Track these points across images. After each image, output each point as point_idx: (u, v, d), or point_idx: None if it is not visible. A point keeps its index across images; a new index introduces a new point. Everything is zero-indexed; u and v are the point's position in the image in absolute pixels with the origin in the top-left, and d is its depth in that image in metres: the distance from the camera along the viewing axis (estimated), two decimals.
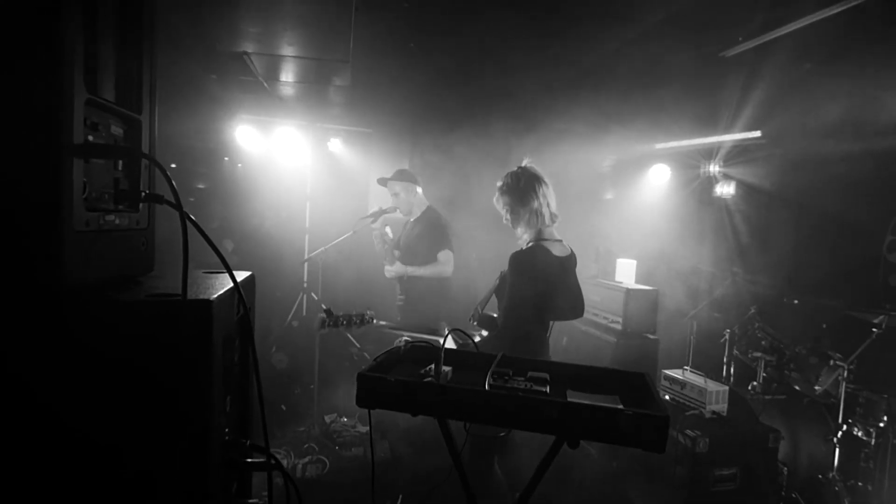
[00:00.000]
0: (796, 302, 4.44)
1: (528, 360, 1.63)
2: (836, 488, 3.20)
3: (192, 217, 0.95)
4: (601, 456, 3.58)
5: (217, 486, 0.99)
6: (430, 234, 4.00)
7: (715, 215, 5.63)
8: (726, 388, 3.41)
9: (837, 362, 3.34)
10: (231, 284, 1.05)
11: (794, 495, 3.33)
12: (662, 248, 5.25)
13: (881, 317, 3.30)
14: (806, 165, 4.54)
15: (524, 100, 5.00)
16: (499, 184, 2.71)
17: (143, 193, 1.06)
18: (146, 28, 1.10)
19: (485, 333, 2.80)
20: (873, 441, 3.19)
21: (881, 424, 3.19)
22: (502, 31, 3.60)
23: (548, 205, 2.64)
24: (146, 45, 1.10)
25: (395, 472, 3.42)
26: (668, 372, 3.70)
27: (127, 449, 0.89)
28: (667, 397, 3.63)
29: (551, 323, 2.76)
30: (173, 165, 5.39)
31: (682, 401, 3.50)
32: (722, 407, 3.35)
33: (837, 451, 3.26)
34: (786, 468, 3.37)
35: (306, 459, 3.63)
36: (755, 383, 3.85)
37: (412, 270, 3.97)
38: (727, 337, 4.16)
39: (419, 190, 4.14)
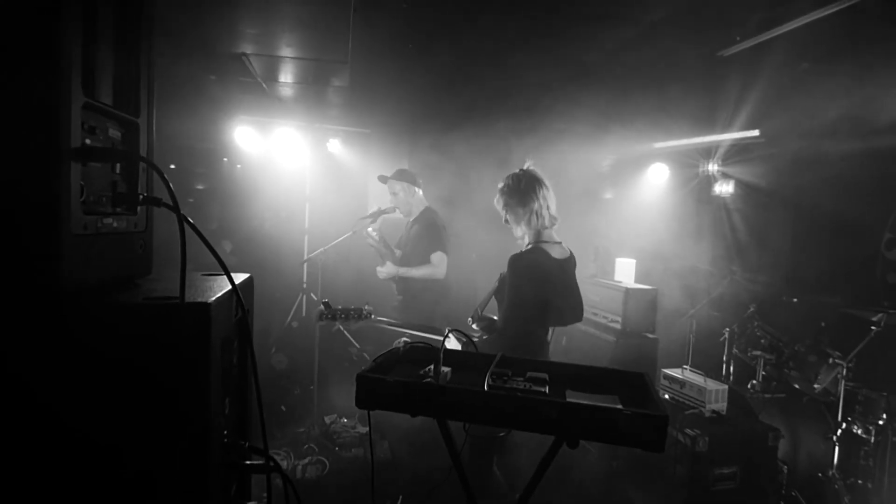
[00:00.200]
0: (795, 300, 4.44)
1: (528, 361, 1.63)
2: (836, 486, 3.20)
3: (191, 220, 0.95)
4: (601, 456, 3.57)
5: (217, 486, 1.00)
6: (425, 235, 3.98)
7: (714, 214, 5.63)
8: (725, 386, 3.42)
9: (836, 360, 3.34)
10: (229, 286, 1.05)
11: (793, 494, 3.34)
12: (661, 247, 5.25)
13: (880, 314, 3.30)
14: (804, 164, 4.54)
15: (524, 100, 5.00)
16: (500, 185, 2.72)
17: (140, 196, 1.06)
18: (145, 29, 1.10)
19: (485, 337, 2.80)
20: (873, 439, 3.19)
21: (880, 422, 3.20)
22: (501, 31, 3.61)
23: (547, 207, 2.64)
24: (144, 46, 1.10)
25: (395, 472, 3.42)
26: (667, 371, 3.70)
27: (127, 449, 0.89)
28: (666, 396, 3.62)
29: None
30: (172, 166, 5.39)
31: (681, 400, 3.50)
32: (721, 406, 3.35)
33: (837, 449, 3.26)
34: (785, 466, 3.37)
35: (306, 460, 3.63)
36: (754, 382, 3.85)
37: (403, 272, 3.95)
38: (726, 336, 4.16)
39: (419, 190, 4.13)
